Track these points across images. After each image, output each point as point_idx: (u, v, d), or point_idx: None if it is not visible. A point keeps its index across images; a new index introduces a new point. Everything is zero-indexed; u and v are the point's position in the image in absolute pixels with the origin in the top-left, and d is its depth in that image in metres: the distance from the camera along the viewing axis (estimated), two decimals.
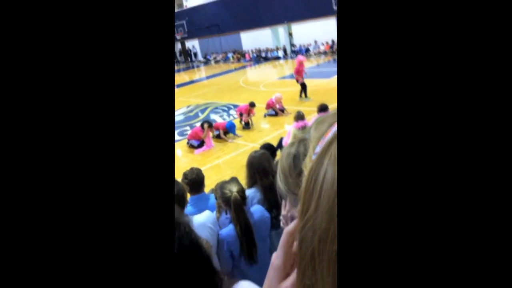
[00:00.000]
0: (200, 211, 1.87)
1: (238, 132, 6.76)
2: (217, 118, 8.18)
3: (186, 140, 6.63)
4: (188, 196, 2.20)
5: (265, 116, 7.61)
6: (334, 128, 0.34)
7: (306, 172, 0.35)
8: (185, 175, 2.28)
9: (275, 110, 7.50)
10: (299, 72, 8.23)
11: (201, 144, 6.27)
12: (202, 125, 6.18)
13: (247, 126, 7.08)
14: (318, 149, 0.34)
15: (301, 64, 8.22)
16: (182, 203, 1.70)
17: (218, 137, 6.54)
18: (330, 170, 0.31)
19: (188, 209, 2.16)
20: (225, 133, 6.59)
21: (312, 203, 0.32)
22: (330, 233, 0.30)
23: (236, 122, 7.21)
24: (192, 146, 6.34)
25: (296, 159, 0.48)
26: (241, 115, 7.16)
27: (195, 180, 2.25)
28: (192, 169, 2.35)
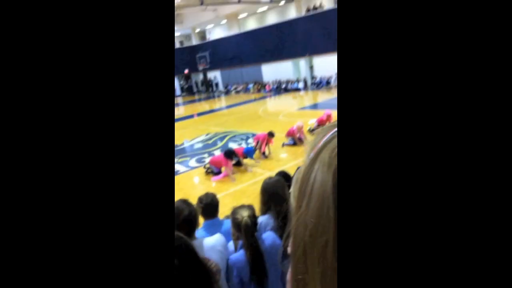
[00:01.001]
0: (212, 235, 1.88)
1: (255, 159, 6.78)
2: (235, 147, 8.25)
3: (203, 168, 6.70)
4: (202, 220, 2.22)
5: (283, 145, 7.62)
6: (325, 138, 0.38)
7: (300, 176, 0.38)
8: (200, 200, 2.31)
9: (294, 140, 7.52)
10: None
11: (219, 171, 6.33)
12: (225, 155, 6.19)
13: (263, 155, 7.09)
14: (312, 155, 0.38)
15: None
16: (193, 225, 1.71)
17: (237, 163, 6.57)
18: (319, 172, 0.35)
19: (201, 233, 2.17)
20: (243, 158, 6.64)
21: (304, 201, 0.35)
22: (319, 227, 0.33)
23: None
24: (211, 172, 6.40)
25: None
26: (257, 143, 7.20)
27: (210, 204, 2.27)
28: (207, 193, 2.38)
